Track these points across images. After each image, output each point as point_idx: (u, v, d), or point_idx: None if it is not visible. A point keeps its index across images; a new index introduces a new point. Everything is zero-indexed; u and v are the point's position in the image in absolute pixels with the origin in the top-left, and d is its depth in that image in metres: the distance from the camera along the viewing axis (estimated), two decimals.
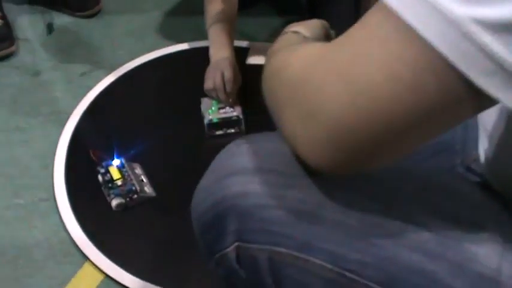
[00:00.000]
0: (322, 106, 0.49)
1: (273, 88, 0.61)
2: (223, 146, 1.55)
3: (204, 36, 1.78)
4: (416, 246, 0.57)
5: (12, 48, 1.84)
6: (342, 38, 0.50)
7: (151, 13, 2.05)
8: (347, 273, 0.58)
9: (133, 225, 1.35)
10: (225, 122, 1.52)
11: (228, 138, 1.52)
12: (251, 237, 0.62)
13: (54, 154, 1.50)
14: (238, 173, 0.63)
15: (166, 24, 2.00)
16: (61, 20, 2.01)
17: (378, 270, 0.57)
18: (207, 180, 0.67)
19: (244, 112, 1.54)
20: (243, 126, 1.53)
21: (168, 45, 1.87)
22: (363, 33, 0.48)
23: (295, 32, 0.85)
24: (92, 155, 1.42)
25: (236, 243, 0.63)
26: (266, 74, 0.65)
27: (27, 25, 1.99)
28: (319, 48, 0.55)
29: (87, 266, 1.28)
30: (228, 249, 0.64)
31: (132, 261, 1.27)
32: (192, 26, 1.96)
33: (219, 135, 1.54)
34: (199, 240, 0.70)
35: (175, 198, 1.40)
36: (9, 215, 1.39)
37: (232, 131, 1.53)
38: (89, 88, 1.70)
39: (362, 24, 0.48)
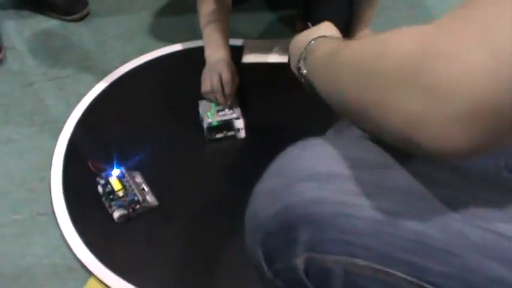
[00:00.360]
0: (461, 79, 0.44)
1: (367, 75, 0.55)
2: (223, 149, 1.52)
3: (196, 36, 1.74)
4: (498, 256, 0.54)
5: (0, 57, 1.78)
6: (464, 9, 0.47)
7: (140, 14, 2.00)
8: (428, 286, 0.55)
9: (136, 236, 1.31)
10: (225, 125, 1.48)
11: (228, 141, 1.49)
12: (326, 247, 0.58)
13: (50, 166, 1.46)
14: (310, 179, 0.59)
15: (156, 25, 1.95)
16: (49, 24, 1.95)
17: (460, 281, 0.54)
18: (271, 184, 0.63)
19: (243, 113, 1.50)
20: (243, 128, 1.50)
21: (160, 47, 1.83)
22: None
23: (323, 36, 0.83)
24: (90, 166, 1.37)
25: (307, 254, 0.59)
26: (346, 68, 0.60)
27: (14, 30, 1.93)
28: (435, 24, 0.49)
29: (91, 281, 1.24)
30: (297, 260, 0.60)
31: (138, 274, 1.24)
32: (184, 26, 1.92)
33: (219, 138, 1.50)
34: (257, 247, 0.66)
35: (178, 206, 1.36)
36: (7, 232, 1.34)
37: (233, 133, 1.50)
38: (82, 95, 1.65)
39: None
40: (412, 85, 0.47)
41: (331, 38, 0.83)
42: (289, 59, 1.01)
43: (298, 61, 0.85)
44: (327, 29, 0.92)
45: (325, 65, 0.70)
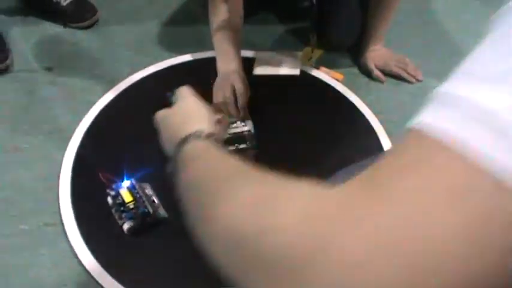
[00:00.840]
0: None
1: (246, 254, 0.42)
2: None
3: (206, 46, 1.73)
4: None
5: (7, 63, 1.76)
6: (376, 187, 0.36)
7: (149, 23, 1.99)
8: None
9: (146, 248, 1.29)
10: (237, 138, 1.46)
11: (240, 154, 1.47)
12: None
13: (58, 175, 1.44)
14: None
15: (165, 35, 1.94)
16: (56, 31, 1.93)
17: None
18: None
19: (254, 125, 1.48)
20: (254, 141, 1.48)
21: (168, 57, 1.81)
22: (416, 184, 0.34)
23: (198, 136, 0.77)
24: (101, 177, 1.35)
25: None
26: (221, 233, 0.47)
27: (21, 37, 1.91)
28: (329, 199, 0.38)
29: None
30: None
31: (147, 287, 1.22)
32: (193, 36, 1.91)
33: (230, 151, 1.48)
34: None
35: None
36: (14, 243, 1.32)
37: (244, 146, 1.48)
38: (91, 104, 1.63)
39: (407, 168, 0.35)
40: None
41: (208, 149, 0.72)
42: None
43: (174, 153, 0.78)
44: (198, 117, 0.88)
45: (195, 203, 0.59)
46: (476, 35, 0.44)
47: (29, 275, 1.26)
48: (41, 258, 1.29)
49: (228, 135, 1.45)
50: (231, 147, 1.47)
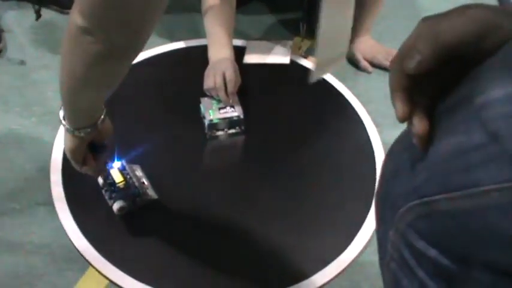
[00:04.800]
0: None
1: None
2: (224, 146, 1.54)
3: (198, 34, 1.76)
4: None
5: (0, 46, 1.78)
6: None
7: None
8: None
9: (135, 228, 1.31)
10: (226, 122, 1.49)
11: (228, 138, 1.51)
12: None
13: (49, 156, 1.45)
14: None
15: (159, 22, 1.95)
16: (50, 16, 1.95)
17: None
18: None
19: (244, 111, 1.51)
20: (243, 127, 1.51)
21: (161, 44, 1.83)
22: None
23: None
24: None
25: None
26: None
27: (15, 21, 1.93)
28: None
29: (89, 272, 1.25)
30: None
31: (135, 266, 1.24)
32: (186, 24, 1.93)
33: (219, 135, 1.51)
34: None
35: (177, 200, 1.37)
36: (5, 221, 1.35)
37: (233, 131, 1.51)
38: None
39: None
40: None
41: None
42: None
43: None
44: None
45: None
46: None
47: (20, 253, 1.28)
48: (31, 237, 1.32)
49: (218, 120, 1.48)
50: (220, 132, 1.50)
